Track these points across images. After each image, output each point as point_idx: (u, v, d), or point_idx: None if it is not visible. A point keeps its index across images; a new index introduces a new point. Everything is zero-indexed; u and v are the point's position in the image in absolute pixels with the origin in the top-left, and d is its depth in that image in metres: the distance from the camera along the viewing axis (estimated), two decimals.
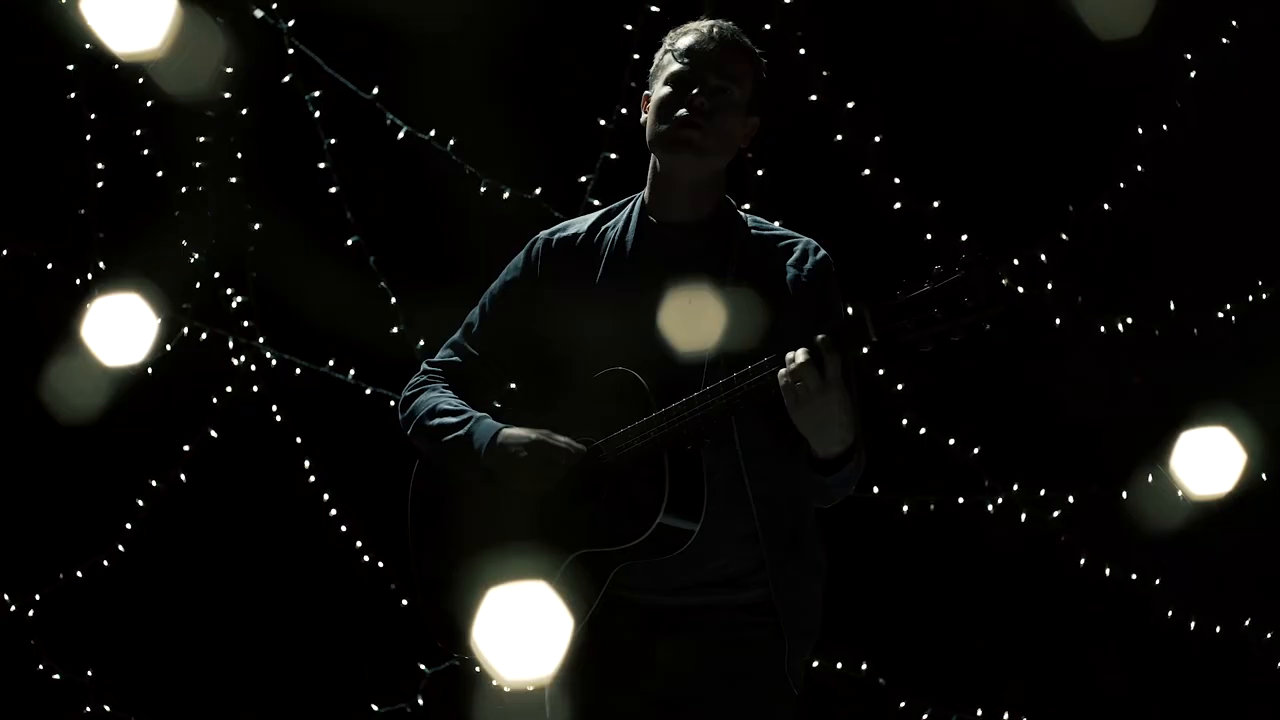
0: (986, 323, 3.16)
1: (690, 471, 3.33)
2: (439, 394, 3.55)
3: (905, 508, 5.80)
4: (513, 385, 3.61)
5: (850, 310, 3.23)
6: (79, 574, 6.11)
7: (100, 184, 6.02)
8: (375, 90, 5.84)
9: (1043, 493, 5.79)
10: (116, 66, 5.88)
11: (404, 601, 5.91)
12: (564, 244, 3.53)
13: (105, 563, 6.11)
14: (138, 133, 5.99)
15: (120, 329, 5.56)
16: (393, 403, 5.90)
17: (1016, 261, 5.78)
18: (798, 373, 3.22)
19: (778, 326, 3.37)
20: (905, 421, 5.74)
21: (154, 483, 6.05)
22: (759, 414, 3.36)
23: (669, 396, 3.34)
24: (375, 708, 5.95)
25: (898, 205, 5.68)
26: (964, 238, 5.72)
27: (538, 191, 5.78)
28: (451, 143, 5.82)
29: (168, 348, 6.01)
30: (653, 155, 3.49)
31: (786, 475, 3.41)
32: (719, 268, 3.43)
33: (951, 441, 5.75)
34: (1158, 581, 5.77)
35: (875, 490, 5.79)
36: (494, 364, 3.56)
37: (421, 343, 5.84)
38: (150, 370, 5.98)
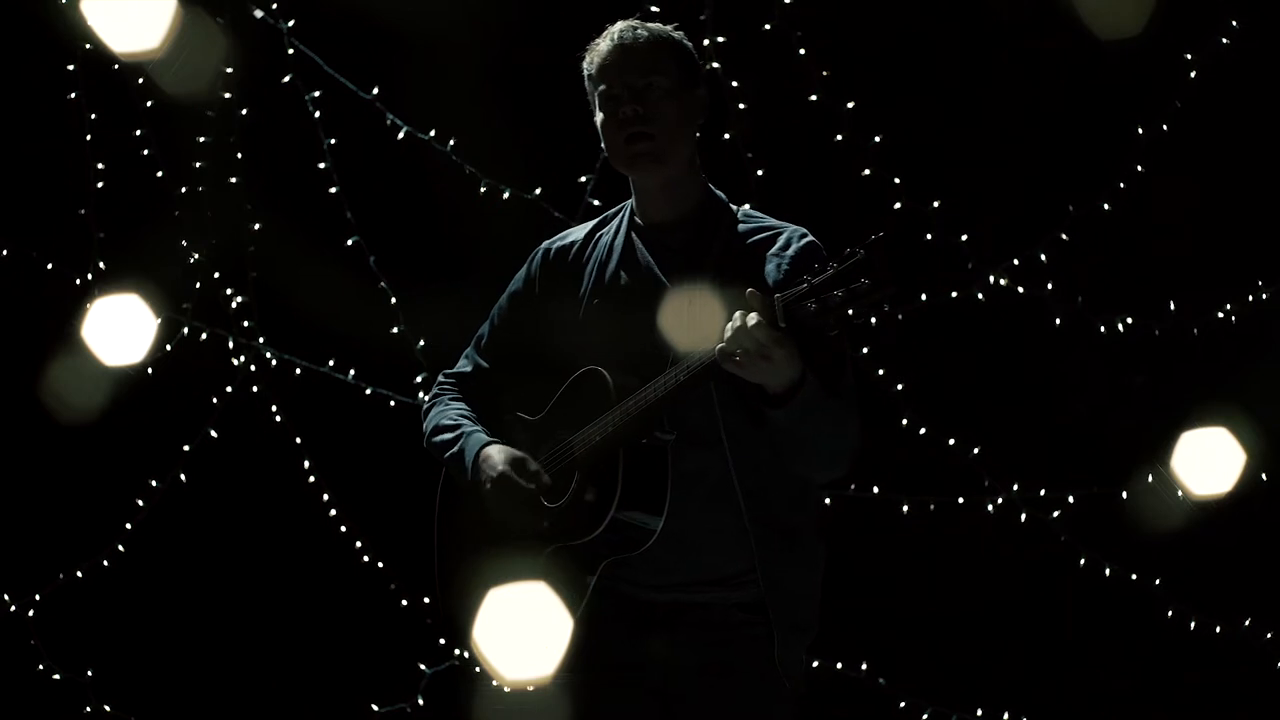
0: (884, 302, 3.19)
1: (651, 468, 3.36)
2: (444, 408, 3.70)
3: (905, 508, 5.80)
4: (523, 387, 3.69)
5: (766, 298, 3.23)
6: (79, 574, 6.11)
7: (100, 184, 6.02)
8: (375, 90, 5.84)
9: (1043, 493, 5.79)
10: (116, 66, 5.88)
11: (404, 602, 5.90)
12: (560, 254, 3.63)
13: (105, 563, 6.11)
14: (138, 133, 5.99)
15: (120, 329, 5.56)
16: (392, 403, 5.91)
17: (1016, 261, 5.78)
18: (733, 343, 3.19)
19: None
20: (905, 421, 5.74)
21: (154, 483, 6.05)
22: (743, 409, 3.38)
23: None
24: (375, 708, 5.95)
25: (898, 205, 5.68)
26: (964, 237, 5.73)
27: (538, 191, 5.78)
28: (451, 143, 5.82)
29: (168, 348, 6.00)
30: None
31: (778, 469, 3.42)
32: (697, 264, 3.46)
33: (951, 441, 5.75)
34: (1158, 581, 5.77)
35: (875, 490, 5.79)
36: (503, 372, 3.68)
37: (421, 343, 5.84)
38: (150, 370, 5.98)
